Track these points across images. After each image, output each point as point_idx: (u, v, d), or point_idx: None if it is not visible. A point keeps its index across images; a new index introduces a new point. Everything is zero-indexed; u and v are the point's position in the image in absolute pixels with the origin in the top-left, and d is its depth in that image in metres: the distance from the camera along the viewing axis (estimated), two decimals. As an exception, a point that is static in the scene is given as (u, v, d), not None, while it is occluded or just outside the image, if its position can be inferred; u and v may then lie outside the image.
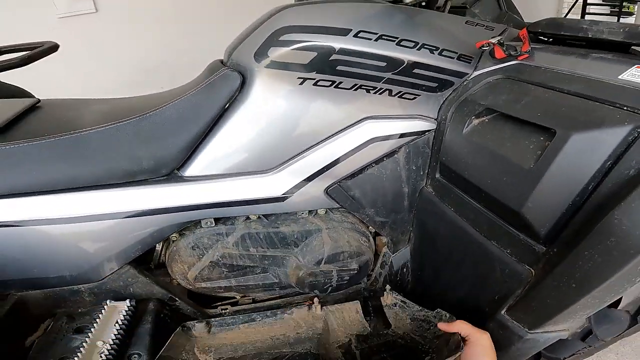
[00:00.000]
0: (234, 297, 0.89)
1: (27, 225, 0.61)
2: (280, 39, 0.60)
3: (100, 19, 1.73)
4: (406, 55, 0.62)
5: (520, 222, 0.53)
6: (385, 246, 0.85)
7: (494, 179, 0.55)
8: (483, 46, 0.63)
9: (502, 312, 0.57)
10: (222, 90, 0.62)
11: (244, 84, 0.62)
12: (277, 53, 0.60)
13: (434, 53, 0.63)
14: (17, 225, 0.60)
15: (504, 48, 0.61)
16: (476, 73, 0.66)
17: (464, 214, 0.63)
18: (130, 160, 0.60)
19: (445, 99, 0.68)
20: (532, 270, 0.52)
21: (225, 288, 0.80)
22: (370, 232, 0.81)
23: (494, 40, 0.61)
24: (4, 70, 0.87)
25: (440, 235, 0.71)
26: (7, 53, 0.94)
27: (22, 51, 0.94)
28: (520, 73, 0.60)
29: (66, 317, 0.71)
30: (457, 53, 0.64)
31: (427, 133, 0.69)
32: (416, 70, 0.63)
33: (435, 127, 0.68)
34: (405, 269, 0.87)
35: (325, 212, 0.77)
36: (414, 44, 0.62)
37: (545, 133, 0.51)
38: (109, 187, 0.61)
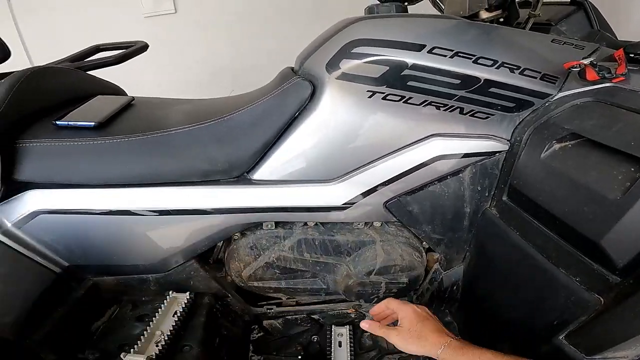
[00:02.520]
0: (279, 298, 0.93)
1: (115, 215, 0.68)
2: (352, 51, 0.61)
3: (178, 19, 1.88)
4: (483, 74, 0.59)
5: (596, 252, 0.50)
6: (437, 263, 0.83)
7: (572, 208, 0.52)
8: (573, 67, 0.58)
9: (561, 337, 0.55)
10: (293, 98, 0.64)
11: (314, 93, 0.64)
12: (348, 65, 0.61)
13: (514, 72, 0.60)
14: (107, 214, 0.68)
15: (597, 69, 0.57)
16: (561, 94, 0.61)
17: (530, 239, 0.60)
18: (208, 160, 0.65)
19: (522, 120, 0.64)
20: (601, 299, 0.50)
21: (274, 289, 0.83)
22: (424, 248, 0.80)
23: (585, 61, 0.57)
24: (101, 67, 0.99)
25: (500, 258, 0.68)
26: (104, 51, 1.06)
27: (116, 49, 1.05)
28: (613, 97, 0.56)
29: (131, 305, 0.78)
30: (540, 73, 0.61)
31: (497, 154, 0.66)
32: (493, 89, 0.60)
33: (507, 149, 0.65)
34: (455, 287, 0.84)
35: (381, 224, 0.77)
36: (492, 62, 0.59)
37: (637, 164, 0.47)
38: (187, 184, 0.66)
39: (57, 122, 0.66)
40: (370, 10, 0.72)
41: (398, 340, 0.61)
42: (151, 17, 1.84)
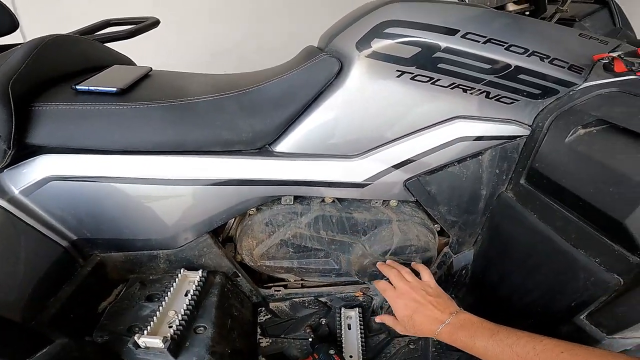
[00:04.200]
0: (286, 280, 0.92)
1: (130, 183, 0.66)
2: (385, 31, 0.61)
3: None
4: (514, 61, 0.61)
5: (619, 232, 0.52)
6: (448, 246, 0.84)
7: (598, 189, 0.54)
8: (602, 59, 0.62)
9: (582, 317, 0.57)
10: (321, 74, 0.64)
11: (341, 70, 0.64)
12: (380, 44, 0.61)
13: (544, 61, 0.62)
14: (121, 182, 0.66)
15: (625, 62, 0.59)
16: (586, 84, 0.64)
17: (549, 221, 0.62)
18: (232, 130, 0.64)
19: (545, 106, 0.66)
20: (621, 280, 0.52)
21: (286, 269, 0.82)
22: (435, 230, 0.81)
23: (614, 54, 0.60)
24: (113, 41, 0.96)
25: (515, 240, 0.70)
26: (115, 25, 1.03)
27: (128, 24, 1.03)
28: (637, 88, 0.59)
29: (139, 284, 0.74)
30: (568, 63, 0.63)
31: (518, 139, 0.67)
32: (521, 76, 0.62)
33: (528, 134, 0.67)
34: (464, 271, 0.86)
35: (397, 204, 0.78)
36: (524, 50, 0.61)
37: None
38: (208, 154, 0.65)
39: (77, 87, 0.64)
40: None
41: (401, 332, 0.67)
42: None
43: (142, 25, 1.00)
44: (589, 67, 0.64)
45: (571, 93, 0.64)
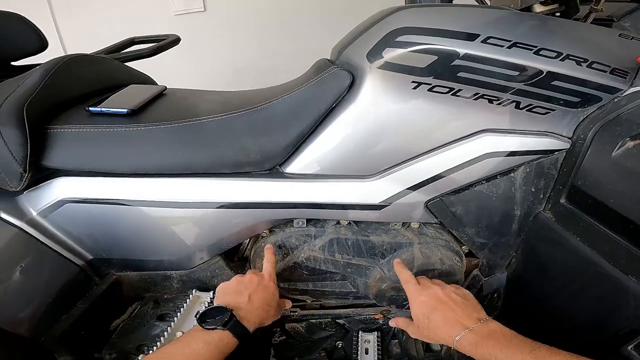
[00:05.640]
0: (303, 301, 0.89)
1: (142, 206, 0.66)
2: (397, 39, 0.57)
3: (207, 17, 1.90)
4: (545, 66, 0.54)
5: None
6: (477, 269, 0.77)
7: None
8: None
9: (630, 347, 0.51)
10: (331, 88, 0.61)
11: (353, 83, 0.60)
12: (392, 54, 0.57)
13: (581, 65, 0.54)
14: (134, 205, 0.66)
15: None
16: (633, 89, 0.56)
17: (594, 245, 0.55)
18: (240, 151, 0.61)
19: (587, 116, 0.58)
20: None
21: (300, 291, 0.79)
22: (463, 252, 0.74)
23: None
24: (136, 60, 0.99)
25: (555, 264, 0.62)
26: (139, 44, 1.06)
27: (150, 42, 1.05)
28: None
29: (152, 302, 0.75)
30: (609, 67, 0.55)
31: (556, 153, 0.60)
32: (556, 82, 0.55)
33: (568, 147, 0.59)
34: (496, 295, 0.78)
35: (419, 225, 0.72)
36: (556, 54, 0.54)
37: None
38: (217, 176, 0.64)
39: (91, 109, 0.65)
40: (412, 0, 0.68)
41: (413, 335, 0.62)
42: (181, 15, 1.86)
43: (164, 43, 1.03)
44: (634, 71, 0.56)
45: (616, 100, 0.57)
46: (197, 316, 0.57)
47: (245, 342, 0.56)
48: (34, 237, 0.65)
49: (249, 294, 0.60)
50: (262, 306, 0.60)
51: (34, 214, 0.65)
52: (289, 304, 0.70)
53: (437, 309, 0.56)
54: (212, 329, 0.53)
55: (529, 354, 0.45)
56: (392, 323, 0.69)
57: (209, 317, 0.55)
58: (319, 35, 1.73)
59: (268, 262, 0.66)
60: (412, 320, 0.60)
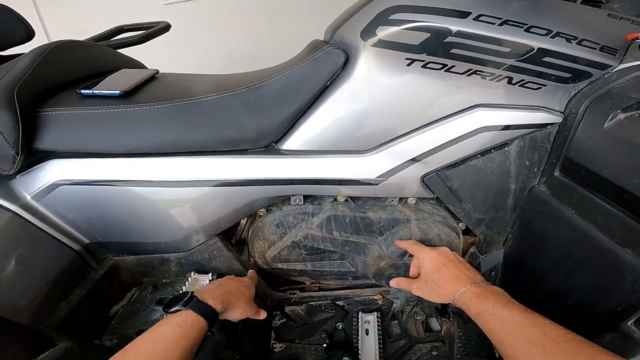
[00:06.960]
0: (302, 283, 0.89)
1: (138, 185, 0.65)
2: (390, 17, 0.57)
3: (197, 6, 1.87)
4: (536, 42, 0.55)
5: None
6: (474, 246, 0.78)
7: (644, 178, 0.47)
8: (637, 39, 0.55)
9: (629, 323, 0.52)
10: (325, 66, 0.61)
11: (347, 61, 0.60)
12: (385, 32, 0.57)
13: (571, 42, 0.55)
14: (129, 185, 0.65)
15: None
16: (622, 66, 0.57)
17: (590, 217, 0.56)
18: (236, 129, 0.61)
19: (578, 91, 0.59)
20: None
21: (299, 272, 0.80)
22: (460, 229, 0.75)
23: None
24: (126, 47, 0.97)
25: (552, 239, 0.63)
26: (128, 31, 1.04)
27: (139, 30, 1.04)
28: None
29: (151, 287, 0.75)
30: (599, 44, 0.56)
31: (549, 127, 0.61)
32: (547, 59, 0.56)
33: (560, 121, 0.60)
34: (493, 272, 0.79)
35: (416, 201, 0.73)
36: (546, 31, 0.55)
37: None
38: (214, 154, 0.63)
39: (82, 91, 0.64)
40: None
41: (418, 293, 0.63)
42: (170, 4, 1.83)
43: (153, 30, 1.01)
44: (623, 48, 0.58)
45: (606, 76, 0.58)
46: (163, 307, 0.57)
47: (213, 322, 0.56)
48: (29, 221, 0.64)
49: (219, 283, 0.63)
50: (230, 290, 0.62)
51: (28, 197, 0.64)
52: (263, 314, 0.68)
53: (447, 265, 0.61)
54: (175, 311, 0.54)
55: (522, 313, 0.48)
56: (392, 283, 0.70)
57: (173, 303, 0.56)
58: (311, 19, 1.72)
59: (250, 274, 0.72)
60: (415, 282, 0.64)
